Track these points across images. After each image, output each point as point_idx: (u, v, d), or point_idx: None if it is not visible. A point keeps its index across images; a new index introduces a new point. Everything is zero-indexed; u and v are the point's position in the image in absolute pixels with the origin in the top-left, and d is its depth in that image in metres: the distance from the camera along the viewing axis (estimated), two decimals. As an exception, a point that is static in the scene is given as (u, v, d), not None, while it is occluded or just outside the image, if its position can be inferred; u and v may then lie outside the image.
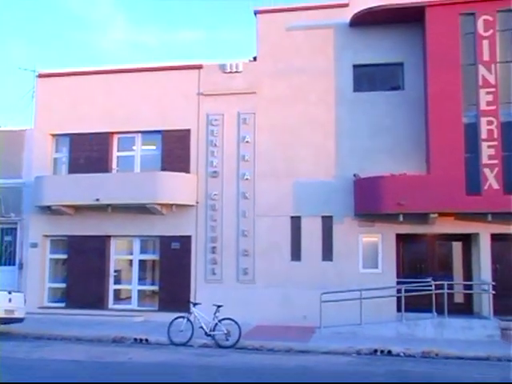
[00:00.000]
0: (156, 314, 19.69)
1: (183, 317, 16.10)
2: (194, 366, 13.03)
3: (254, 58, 20.41)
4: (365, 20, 19.08)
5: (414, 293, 17.11)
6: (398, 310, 17.55)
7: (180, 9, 58.49)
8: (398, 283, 18.07)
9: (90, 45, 57.66)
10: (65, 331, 17.15)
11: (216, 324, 15.77)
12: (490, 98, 17.51)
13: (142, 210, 19.90)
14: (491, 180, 17.31)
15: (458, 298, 18.63)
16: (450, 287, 17.60)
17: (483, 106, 17.53)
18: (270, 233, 19.43)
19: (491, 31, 17.59)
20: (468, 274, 18.74)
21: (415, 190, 17.62)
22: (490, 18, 17.59)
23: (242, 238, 19.62)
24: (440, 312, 16.80)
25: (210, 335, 15.78)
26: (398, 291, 17.48)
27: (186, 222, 20.09)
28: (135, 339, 16.36)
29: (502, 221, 17.67)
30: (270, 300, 18.92)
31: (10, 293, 17.16)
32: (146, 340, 16.28)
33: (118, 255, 21.30)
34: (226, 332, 15.54)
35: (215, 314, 15.85)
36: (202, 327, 15.82)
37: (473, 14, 17.71)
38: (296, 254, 19.31)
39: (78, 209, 20.69)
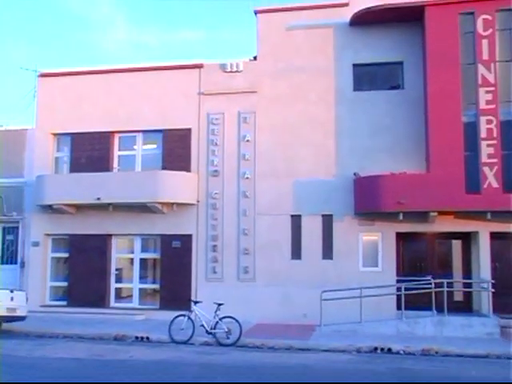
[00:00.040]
0: (157, 312, 19.77)
1: (184, 315, 16.13)
2: (195, 364, 13.04)
3: (255, 58, 20.47)
4: (365, 19, 19.13)
5: (413, 291, 17.21)
6: (398, 308, 17.59)
7: (180, 9, 58.59)
8: (398, 281, 18.14)
9: (91, 45, 57.79)
10: (66, 329, 17.22)
11: (217, 322, 15.81)
12: (489, 96, 17.56)
13: (143, 208, 19.98)
14: (491, 179, 17.36)
15: (458, 296, 18.65)
16: (450, 285, 17.61)
17: (483, 105, 17.57)
18: (271, 231, 19.50)
19: (490, 30, 17.63)
20: (467, 272, 18.78)
21: (415, 188, 17.68)
22: (490, 18, 17.63)
23: (242, 236, 19.69)
24: (440, 310, 16.85)
25: (210, 333, 15.81)
26: (398, 289, 17.53)
27: (186, 221, 20.16)
28: (136, 337, 16.41)
29: (501, 219, 17.75)
30: (270, 298, 18.98)
31: (12, 291, 17.26)
32: (147, 338, 16.34)
33: (119, 254, 21.38)
34: (226, 330, 15.59)
35: (216, 312, 15.90)
36: (202, 325, 15.87)
37: (472, 13, 17.75)
38: (296, 253, 19.38)
39: (79, 208, 20.77)
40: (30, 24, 55.93)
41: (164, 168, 20.30)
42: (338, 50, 19.70)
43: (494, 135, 17.46)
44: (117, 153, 21.39)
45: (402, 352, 14.74)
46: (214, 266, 19.80)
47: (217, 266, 19.80)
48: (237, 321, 15.62)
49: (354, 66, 19.63)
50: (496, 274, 17.98)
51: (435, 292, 17.04)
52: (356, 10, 19.16)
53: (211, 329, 15.83)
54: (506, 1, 17.53)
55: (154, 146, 21.17)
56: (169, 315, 16.69)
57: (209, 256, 19.90)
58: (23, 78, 52.35)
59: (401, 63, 19.34)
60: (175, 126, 20.52)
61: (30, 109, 22.09)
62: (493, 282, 17.20)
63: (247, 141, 19.90)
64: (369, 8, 18.70)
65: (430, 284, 17.14)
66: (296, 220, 19.50)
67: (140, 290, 20.99)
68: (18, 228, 21.90)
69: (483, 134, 17.53)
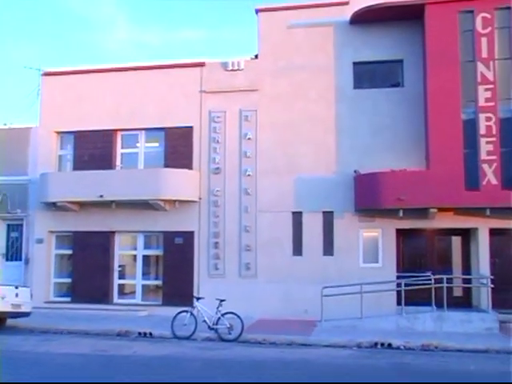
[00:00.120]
0: (160, 308, 19.87)
1: (186, 311, 16.20)
2: (197, 360, 13.08)
3: (256, 56, 20.56)
4: (365, 18, 19.21)
5: (413, 287, 17.25)
6: (398, 303, 17.69)
7: (182, 8, 58.59)
8: (398, 277, 18.21)
9: (93, 44, 57.86)
10: (70, 325, 17.30)
11: (219, 318, 15.87)
12: (488, 94, 17.63)
13: (146, 206, 20.07)
14: (490, 175, 17.43)
15: (457, 292, 18.74)
16: (450, 281, 17.70)
17: (482, 103, 17.65)
18: (272, 228, 19.60)
19: (489, 28, 17.71)
20: (467, 268, 18.86)
21: (415, 185, 17.76)
22: (489, 16, 17.70)
23: (244, 233, 19.81)
24: (439, 305, 16.93)
25: (213, 329, 15.88)
26: (398, 285, 17.61)
27: (189, 218, 20.26)
28: (139, 333, 16.50)
29: (500, 215, 17.81)
30: (271, 294, 19.09)
31: (16, 288, 17.33)
32: (150, 334, 16.43)
33: (122, 250, 21.50)
34: (228, 326, 15.66)
35: (218, 308, 15.96)
36: (205, 321, 15.95)
37: (471, 11, 17.83)
38: (297, 249, 19.48)
39: (82, 205, 20.90)
40: (32, 24, 56.10)
41: (166, 166, 20.43)
42: (339, 48, 19.77)
43: (493, 132, 17.53)
44: (119, 151, 21.49)
45: (402, 347, 14.80)
46: (216, 262, 19.92)
47: (219, 262, 19.92)
48: (238, 317, 15.69)
49: (355, 64, 19.69)
50: (495, 269, 18.08)
51: (435, 288, 17.11)
52: (356, 9, 19.24)
53: (213, 324, 15.90)
54: (504, -1, 17.66)
55: (157, 143, 21.28)
56: (171, 311, 16.77)
57: (211, 253, 20.01)
58: (27, 77, 52.43)
59: (401, 61, 19.42)
60: (177, 123, 20.61)
61: (34, 107, 22.20)
62: (492, 277, 17.28)
63: (248, 138, 20.01)
64: (369, 6, 18.78)
65: (430, 280, 17.21)
66: (297, 217, 19.60)
67: (143, 286, 21.10)
68: (22, 225, 22.06)
69: (482, 131, 17.60)
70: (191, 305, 16.68)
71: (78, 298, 20.73)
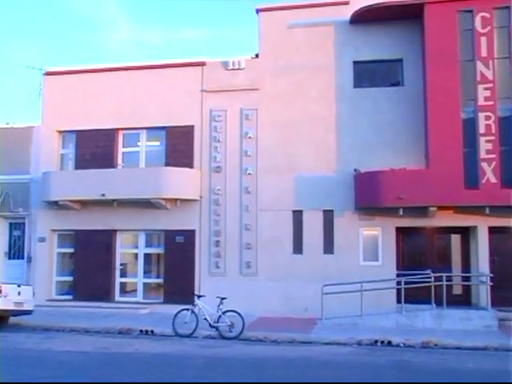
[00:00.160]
0: (161, 306, 19.94)
1: (188, 309, 16.24)
2: (198, 358, 13.11)
3: (256, 56, 20.61)
4: (365, 17, 19.27)
5: (413, 285, 17.34)
6: (398, 301, 17.73)
7: (183, 8, 58.65)
8: (398, 275, 18.28)
9: (94, 44, 57.94)
10: (72, 323, 17.39)
11: (220, 316, 15.90)
12: (487, 93, 17.67)
13: (147, 204, 20.15)
14: (489, 174, 17.49)
15: (457, 290, 18.78)
16: (449, 279, 17.75)
17: (481, 102, 17.70)
18: (273, 227, 19.67)
19: (489, 28, 17.76)
20: (466, 266, 18.91)
21: (415, 184, 17.81)
22: (488, 15, 17.76)
23: (244, 231, 19.89)
24: (439, 303, 16.99)
25: (214, 327, 15.92)
26: (398, 283, 17.67)
27: (190, 217, 20.34)
28: (141, 331, 16.57)
29: (499, 214, 17.86)
30: (272, 292, 19.15)
31: (19, 286, 17.41)
32: (152, 331, 16.50)
33: (124, 249, 21.58)
34: (229, 324, 15.72)
35: (219, 306, 16.00)
36: (206, 319, 16.00)
37: (470, 11, 17.88)
38: (298, 248, 19.55)
39: (84, 204, 20.99)
40: (33, 23, 56.14)
41: (167, 164, 20.50)
42: (339, 47, 19.83)
43: (493, 131, 17.59)
44: (121, 149, 21.56)
45: (401, 345, 14.87)
46: (216, 260, 20.00)
47: (220, 260, 20.00)
48: (239, 314, 15.75)
49: (355, 63, 19.74)
50: (494, 267, 18.13)
51: (434, 286, 17.17)
52: (356, 8, 19.28)
53: (214, 322, 15.93)
54: (503, -1, 17.72)
55: (158, 142, 21.34)
56: (172, 309, 16.85)
57: (212, 251, 20.10)
58: (29, 77, 52.48)
59: (400, 60, 19.47)
60: (178, 122, 20.68)
61: (36, 107, 22.28)
62: (491, 275, 17.32)
63: (249, 137, 20.09)
64: (369, 6, 18.82)
65: (430, 278, 17.26)
66: (297, 215, 19.67)
67: (144, 284, 21.19)
68: (24, 224, 22.12)
69: (482, 130, 17.65)
70: (192, 303, 16.70)
71: (80, 296, 20.79)
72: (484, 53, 17.78)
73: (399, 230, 19.09)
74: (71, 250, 21.62)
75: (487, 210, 17.74)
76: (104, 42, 60.10)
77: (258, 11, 20.56)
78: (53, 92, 21.89)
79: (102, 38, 60.25)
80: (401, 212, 18.19)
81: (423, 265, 18.87)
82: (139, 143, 21.50)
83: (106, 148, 21.25)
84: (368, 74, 19.92)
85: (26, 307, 17.31)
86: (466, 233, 19.10)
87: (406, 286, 17.28)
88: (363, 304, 17.16)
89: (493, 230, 18.38)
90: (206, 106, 20.58)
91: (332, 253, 19.28)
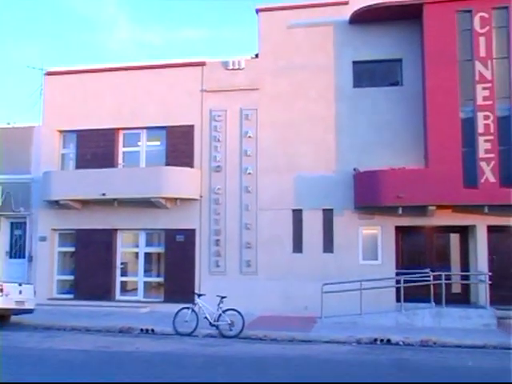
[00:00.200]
0: (161, 305, 20.01)
1: (188, 308, 16.25)
2: (199, 356, 13.11)
3: (256, 56, 20.67)
4: (364, 17, 19.34)
5: (412, 283, 17.44)
6: (397, 300, 17.78)
7: (183, 8, 58.72)
8: (397, 274, 18.32)
9: (95, 44, 58.00)
10: (73, 322, 17.42)
11: (220, 315, 15.95)
12: (486, 93, 17.75)
13: (148, 203, 20.22)
14: (488, 173, 17.57)
15: (456, 289, 18.84)
16: (448, 278, 17.77)
17: (480, 101, 17.78)
18: (272, 226, 19.74)
19: (487, 28, 17.83)
20: (465, 264, 18.99)
21: (414, 183, 17.89)
22: (486, 15, 17.82)
23: (244, 231, 19.96)
24: (438, 302, 17.02)
25: (214, 325, 15.95)
26: (397, 282, 17.74)
27: (190, 216, 20.40)
28: (141, 329, 16.59)
29: (498, 213, 17.94)
30: (272, 291, 19.22)
31: (20, 285, 17.43)
32: (152, 330, 16.52)
33: (125, 248, 21.64)
34: (229, 322, 15.76)
35: (219, 304, 16.05)
36: (206, 318, 16.04)
37: (469, 11, 17.95)
38: (297, 247, 19.62)
39: (85, 203, 21.04)
40: (33, 23, 56.24)
41: (168, 164, 20.56)
42: (338, 47, 19.89)
43: (491, 131, 17.66)
44: (121, 149, 21.63)
45: (401, 343, 14.92)
46: (217, 259, 20.07)
47: (220, 259, 20.07)
48: (239, 313, 15.80)
49: (354, 63, 19.80)
50: (493, 266, 18.21)
51: (434, 284, 17.19)
52: (355, 9, 19.35)
53: (214, 321, 15.97)
54: (502, -1, 17.78)
55: (158, 142, 21.41)
56: (173, 308, 16.90)
57: (212, 250, 20.16)
58: (29, 77, 52.66)
59: (400, 60, 19.54)
60: (178, 122, 20.75)
61: (37, 107, 22.33)
62: (490, 274, 17.40)
63: (249, 137, 20.15)
64: (368, 6, 18.90)
65: (429, 277, 17.28)
66: (297, 214, 19.74)
67: (145, 283, 21.26)
68: (25, 223, 22.18)
69: (480, 130, 17.73)
70: (192, 301, 16.76)
71: (81, 294, 20.86)
72: (483, 53, 17.85)
73: (398, 229, 19.16)
74: (72, 249, 21.68)
75: (486, 209, 17.82)
76: (104, 42, 60.21)
77: (257, 11, 20.61)
78: (53, 92, 21.96)
79: (101, 38, 60.37)
80: (400, 211, 18.27)
81: (422, 264, 18.89)
82: (139, 143, 21.56)
83: (106, 148, 21.31)
84: (367, 74, 19.98)
85: (27, 306, 17.35)
86: (465, 232, 19.16)
87: (406, 285, 17.36)
88: (363, 303, 17.20)
89: (491, 229, 18.44)
90: (206, 106, 20.63)
91: (332, 252, 19.35)
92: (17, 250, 22.44)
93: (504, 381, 10.81)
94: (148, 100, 21.08)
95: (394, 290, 18.19)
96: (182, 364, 12.33)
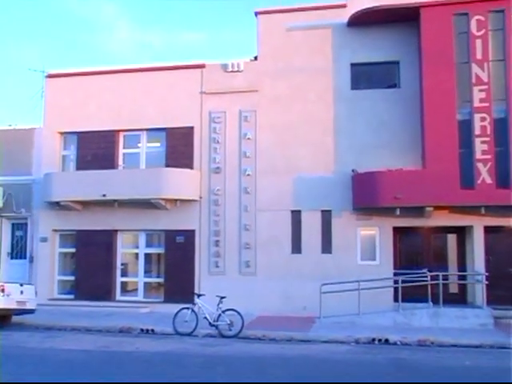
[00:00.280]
0: (161, 305, 20.10)
1: (188, 308, 16.31)
2: (199, 356, 13.14)
3: (255, 58, 20.75)
4: (362, 20, 19.44)
5: (410, 283, 17.50)
6: (395, 300, 17.82)
7: (183, 11, 58.85)
8: (395, 274, 18.42)
9: (95, 46, 58.09)
10: (74, 322, 17.50)
11: (219, 315, 16.02)
12: (483, 95, 17.86)
13: (148, 205, 20.31)
14: (484, 174, 17.67)
15: (453, 289, 18.95)
16: (445, 278, 17.87)
17: (476, 103, 17.87)
18: (271, 227, 19.83)
19: (484, 31, 17.93)
20: (462, 265, 19.10)
21: (411, 184, 17.98)
22: (483, 18, 17.94)
23: (244, 231, 20.06)
24: (435, 302, 17.16)
25: (213, 325, 16.03)
26: (395, 282, 17.79)
27: (189, 217, 20.49)
28: (142, 329, 16.68)
29: (494, 213, 18.07)
30: (271, 291, 19.30)
31: (21, 285, 17.49)
32: (152, 330, 16.61)
33: (125, 249, 21.73)
34: (229, 322, 15.84)
35: (218, 305, 16.13)
36: (206, 318, 16.11)
37: (466, 14, 18.05)
38: (296, 247, 19.71)
39: (85, 204, 21.12)
40: (33, 25, 56.35)
41: (167, 165, 20.65)
42: (336, 50, 19.98)
43: (488, 132, 17.76)
44: (122, 151, 21.71)
45: (398, 343, 15.01)
46: (216, 260, 20.17)
47: (219, 260, 20.16)
48: (239, 313, 15.87)
49: (352, 65, 19.90)
50: (490, 266, 18.28)
51: (431, 284, 17.29)
52: (353, 11, 19.47)
53: (214, 321, 16.05)
54: (498, 2, 17.84)
55: (158, 144, 21.49)
56: (173, 308, 16.97)
57: (211, 251, 20.26)
58: (30, 79, 52.79)
59: (397, 62, 19.64)
60: (178, 124, 20.84)
61: (38, 108, 22.44)
62: (486, 274, 17.51)
63: (248, 139, 20.25)
64: (366, 9, 19.02)
65: (426, 277, 17.37)
66: (296, 215, 19.83)
67: (145, 283, 21.35)
68: (26, 224, 22.31)
69: (477, 131, 17.82)
70: (192, 302, 16.82)
71: (82, 295, 20.96)
72: (479, 55, 17.96)
73: (396, 229, 19.26)
74: (73, 250, 21.75)
75: (483, 210, 17.95)
76: (104, 44, 60.32)
77: (256, 14, 20.70)
78: (54, 94, 22.06)
79: (102, 40, 60.47)
80: (398, 212, 18.38)
81: (420, 264, 18.99)
82: (139, 144, 21.65)
83: (106, 149, 21.41)
84: (365, 76, 20.07)
85: (28, 306, 17.43)
86: (462, 232, 19.26)
87: (403, 285, 17.41)
88: (361, 303, 17.32)
89: (488, 230, 18.56)
90: (206, 108, 20.73)
91: (330, 252, 19.45)
92: (18, 250, 22.56)
93: (502, 379, 10.89)
94: (148, 102, 21.18)
95: (392, 290, 18.23)
96: (182, 364, 12.36)
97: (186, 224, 20.53)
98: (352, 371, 11.78)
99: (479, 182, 17.74)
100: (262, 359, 12.95)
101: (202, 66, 20.98)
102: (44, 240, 21.64)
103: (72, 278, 21.68)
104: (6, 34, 54.10)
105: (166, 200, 20.28)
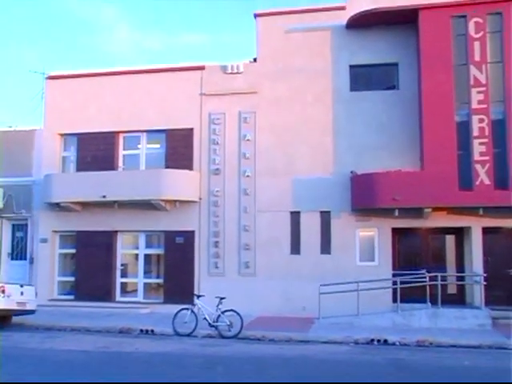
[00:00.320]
0: (161, 306, 20.14)
1: (187, 308, 16.37)
2: (198, 356, 13.16)
3: (255, 60, 20.81)
4: (361, 22, 19.49)
5: (408, 284, 17.52)
6: (394, 300, 17.87)
7: (183, 13, 58.93)
8: (394, 275, 18.49)
9: (95, 48, 58.21)
10: (74, 323, 17.57)
11: (219, 315, 16.04)
12: (481, 96, 17.90)
13: (147, 206, 20.35)
14: (483, 176, 17.70)
15: (451, 289, 18.93)
16: (444, 279, 17.91)
17: (475, 105, 17.91)
18: (271, 228, 19.88)
19: (482, 33, 17.99)
20: (460, 265, 19.14)
21: (410, 185, 18.01)
22: (481, 21, 17.99)
23: (243, 232, 20.10)
24: (434, 302, 17.18)
25: (213, 326, 16.07)
26: (394, 283, 17.85)
27: (189, 218, 20.53)
28: (141, 330, 16.74)
29: (493, 215, 18.12)
30: (270, 292, 19.35)
31: (21, 286, 17.58)
32: (152, 331, 16.66)
33: (125, 249, 21.77)
34: (228, 323, 15.86)
35: (218, 305, 16.16)
36: (205, 318, 16.15)
37: (464, 16, 18.11)
38: (295, 248, 19.75)
39: (85, 205, 21.17)
40: (34, 27, 56.42)
41: (167, 167, 20.71)
42: (335, 51, 20.04)
43: (486, 134, 17.80)
44: (121, 152, 21.76)
45: (397, 343, 15.07)
46: (215, 261, 20.21)
47: (219, 261, 20.20)
48: (238, 314, 15.90)
49: (351, 67, 19.96)
50: (488, 267, 18.32)
51: (429, 285, 17.33)
52: (352, 14, 19.53)
53: (213, 322, 16.09)
54: (496, 4, 17.91)
55: (158, 145, 21.54)
56: (172, 309, 17.02)
57: (211, 251, 20.30)
58: (30, 80, 52.85)
59: (396, 64, 19.69)
60: (178, 125, 20.90)
61: (38, 110, 22.47)
62: (485, 275, 17.51)
63: (247, 140, 20.30)
64: (365, 11, 19.06)
65: (425, 278, 17.42)
66: (295, 216, 19.88)
67: (145, 284, 21.39)
68: (26, 225, 22.37)
69: (475, 133, 17.87)
70: (192, 302, 16.87)
71: (82, 296, 21.00)
72: (477, 57, 18.01)
73: (395, 230, 19.30)
74: (73, 251, 21.79)
75: (481, 211, 17.98)
76: (104, 46, 60.42)
77: (256, 16, 20.76)
78: (55, 96, 22.11)
79: (102, 42, 60.59)
80: (396, 213, 18.42)
81: (418, 265, 19.05)
82: (139, 146, 21.69)
83: (106, 151, 21.45)
84: (364, 78, 20.12)
85: (28, 307, 17.49)
86: (460, 233, 19.31)
87: (402, 286, 17.43)
88: (360, 303, 17.37)
89: (486, 231, 18.61)
90: (205, 110, 20.79)
91: (329, 253, 19.50)
92: (18, 251, 22.61)
93: (501, 379, 10.94)
94: (148, 103, 21.24)
95: (391, 290, 18.25)
96: (182, 364, 12.40)
97: (185, 225, 20.58)
98: (351, 371, 11.82)
99: (477, 183, 17.77)
100: (262, 359, 12.98)
101: (201, 68, 21.03)
102: (44, 241, 21.68)
103: (72, 278, 21.72)
104: (7, 35, 54.28)
105: (166, 201, 20.33)
